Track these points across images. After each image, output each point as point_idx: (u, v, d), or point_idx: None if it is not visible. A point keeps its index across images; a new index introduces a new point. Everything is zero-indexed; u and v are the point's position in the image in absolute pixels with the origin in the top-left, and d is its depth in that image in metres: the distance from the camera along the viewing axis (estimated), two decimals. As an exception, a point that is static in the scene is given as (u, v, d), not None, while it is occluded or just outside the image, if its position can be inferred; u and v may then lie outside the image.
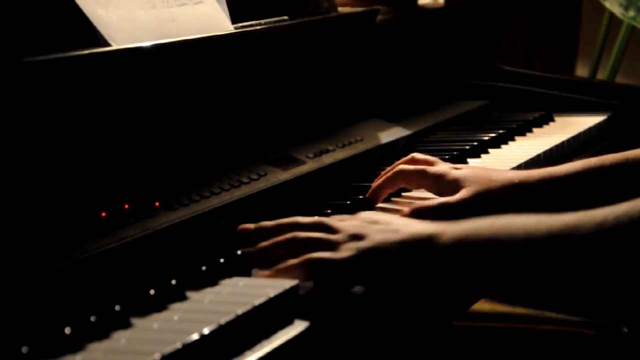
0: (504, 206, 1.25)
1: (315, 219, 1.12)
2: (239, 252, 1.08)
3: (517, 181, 1.29)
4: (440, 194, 1.33)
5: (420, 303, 1.14)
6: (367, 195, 1.35)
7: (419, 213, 1.25)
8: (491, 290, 1.04)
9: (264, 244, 1.09)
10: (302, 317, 0.98)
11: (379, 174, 1.37)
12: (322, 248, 1.05)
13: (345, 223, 1.09)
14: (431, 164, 1.38)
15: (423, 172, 1.34)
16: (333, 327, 1.00)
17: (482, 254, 1.00)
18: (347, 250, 1.04)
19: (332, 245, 1.06)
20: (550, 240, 0.96)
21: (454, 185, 1.30)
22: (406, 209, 1.26)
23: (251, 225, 1.14)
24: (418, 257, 1.03)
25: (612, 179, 1.28)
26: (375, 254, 1.04)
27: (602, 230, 0.93)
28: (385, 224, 1.08)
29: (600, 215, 0.94)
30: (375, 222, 1.09)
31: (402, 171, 1.35)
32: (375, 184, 1.36)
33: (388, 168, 1.39)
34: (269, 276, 1.04)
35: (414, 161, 1.39)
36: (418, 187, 1.37)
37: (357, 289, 1.06)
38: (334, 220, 1.11)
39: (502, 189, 1.28)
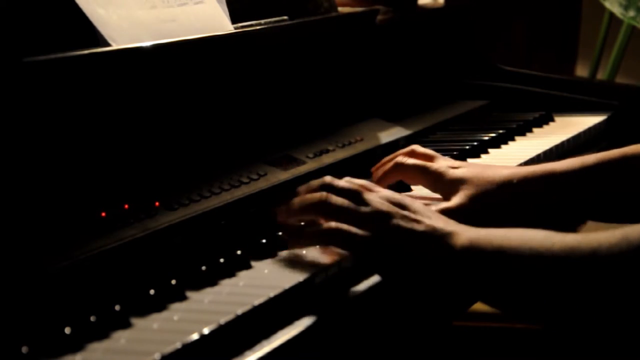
0: (503, 206, 1.26)
1: (350, 184, 1.14)
2: (238, 252, 1.08)
3: (515, 181, 1.29)
4: (436, 191, 1.33)
5: (421, 302, 1.14)
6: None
7: None
8: (490, 296, 1.07)
9: (296, 204, 1.13)
10: (305, 313, 0.98)
11: (379, 174, 1.38)
12: (349, 220, 1.09)
13: (377, 199, 1.12)
14: (431, 158, 1.36)
15: (425, 169, 1.33)
16: (333, 326, 1.00)
17: (489, 260, 1.03)
18: (369, 230, 1.08)
19: (359, 219, 1.09)
20: (549, 259, 1.00)
21: (452, 186, 1.30)
22: None
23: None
24: (431, 252, 1.06)
25: (610, 176, 1.29)
26: (392, 240, 1.07)
27: (595, 257, 0.97)
28: (412, 212, 1.10)
29: (595, 242, 0.98)
30: (404, 207, 1.11)
31: (402, 164, 1.34)
32: (375, 177, 1.35)
33: (387, 157, 1.38)
34: (298, 243, 1.10)
35: (414, 154, 1.38)
36: (416, 183, 1.37)
37: (359, 287, 1.06)
38: (365, 191, 1.13)
39: (500, 190, 1.28)
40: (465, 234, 1.06)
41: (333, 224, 1.09)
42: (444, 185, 1.31)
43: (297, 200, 1.14)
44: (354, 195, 1.12)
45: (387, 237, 1.07)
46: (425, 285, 1.08)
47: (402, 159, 1.35)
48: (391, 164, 1.35)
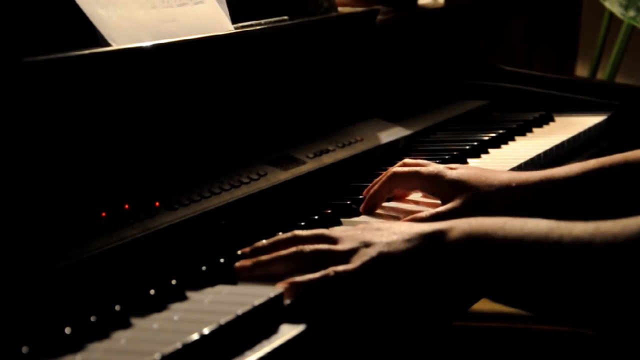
0: (500, 210, 1.23)
1: (314, 231, 1.08)
2: (239, 252, 1.08)
3: (514, 184, 1.27)
4: (434, 194, 1.32)
5: (421, 303, 1.14)
6: (362, 206, 1.31)
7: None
8: (495, 291, 1.01)
9: (264, 258, 1.05)
10: (301, 317, 0.98)
11: (379, 174, 1.36)
12: (330, 261, 1.02)
13: (347, 233, 1.06)
14: (424, 166, 1.35)
15: (417, 173, 1.32)
16: (333, 326, 1.00)
17: (490, 254, 0.98)
18: (356, 260, 1.01)
19: (340, 256, 1.02)
20: (560, 252, 0.95)
21: (450, 187, 1.28)
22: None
23: (247, 249, 1.09)
24: (427, 254, 1.01)
25: (611, 181, 1.27)
26: (384, 258, 1.01)
27: (613, 251, 0.92)
28: (387, 230, 1.05)
29: (610, 235, 0.93)
30: (377, 229, 1.06)
31: (396, 174, 1.32)
32: (371, 191, 1.32)
33: (382, 174, 1.37)
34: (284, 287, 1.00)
35: (405, 166, 1.36)
36: (414, 189, 1.35)
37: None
38: (333, 231, 1.08)
39: (498, 194, 1.26)
40: (457, 227, 1.01)
41: (318, 274, 1.00)
42: (442, 186, 1.29)
43: (265, 257, 1.05)
44: (323, 238, 1.06)
45: (377, 258, 1.01)
46: (429, 289, 1.03)
47: (396, 168, 1.33)
48: (386, 175, 1.32)
